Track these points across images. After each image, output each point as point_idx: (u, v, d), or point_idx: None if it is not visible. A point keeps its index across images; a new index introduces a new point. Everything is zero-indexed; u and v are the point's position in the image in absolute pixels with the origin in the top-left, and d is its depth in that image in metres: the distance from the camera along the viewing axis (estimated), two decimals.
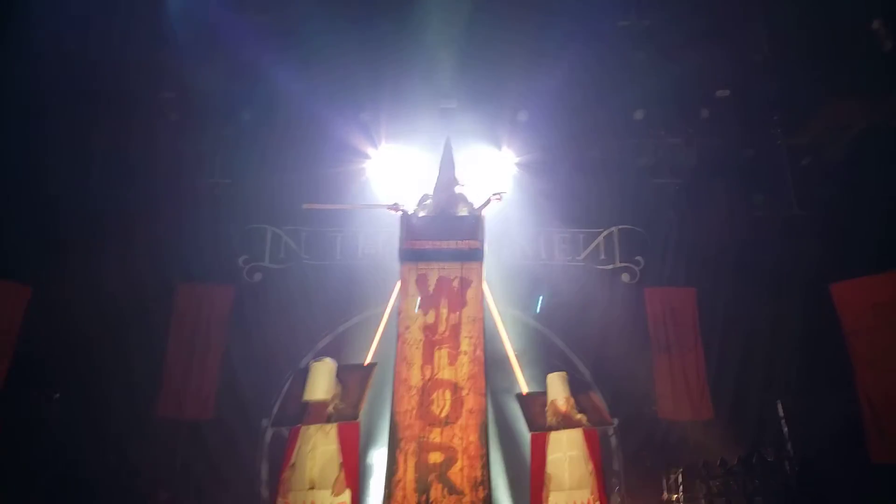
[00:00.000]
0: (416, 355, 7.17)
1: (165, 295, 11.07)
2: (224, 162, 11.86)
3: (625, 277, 11.88)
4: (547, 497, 7.17)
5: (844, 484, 9.14)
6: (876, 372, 9.84)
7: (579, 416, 7.46)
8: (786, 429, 10.47)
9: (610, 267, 11.97)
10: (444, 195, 7.97)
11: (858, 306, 10.24)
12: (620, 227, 12.15)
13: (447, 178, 8.15)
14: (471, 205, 7.96)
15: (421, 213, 7.86)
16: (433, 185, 8.13)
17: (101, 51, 10.45)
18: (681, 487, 9.73)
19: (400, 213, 7.61)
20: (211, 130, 11.74)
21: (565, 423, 7.42)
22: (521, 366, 8.96)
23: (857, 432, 9.73)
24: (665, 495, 9.85)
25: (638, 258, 11.94)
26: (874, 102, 10.56)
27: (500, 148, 11.69)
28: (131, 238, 10.87)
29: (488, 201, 7.83)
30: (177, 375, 10.65)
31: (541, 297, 11.83)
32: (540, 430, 7.47)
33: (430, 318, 7.34)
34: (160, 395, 10.50)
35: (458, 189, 8.13)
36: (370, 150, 11.60)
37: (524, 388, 8.32)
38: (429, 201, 8.01)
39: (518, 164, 11.83)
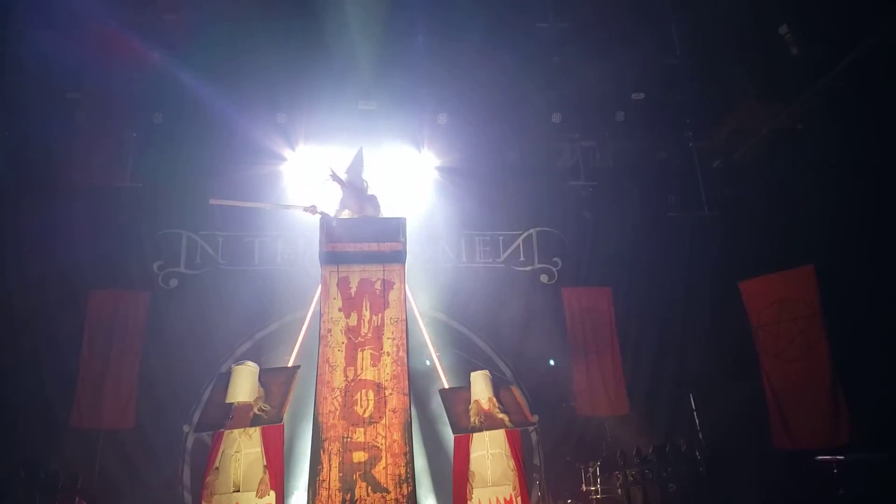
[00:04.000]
0: (339, 357, 7.15)
1: (77, 302, 10.67)
2: (136, 165, 11.49)
3: (543, 278, 12.09)
4: (470, 493, 7.34)
5: (750, 469, 9.60)
6: (780, 363, 10.36)
7: (502, 416, 7.63)
8: (697, 420, 10.89)
9: (529, 268, 12.16)
10: (353, 199, 7.95)
11: (764, 302, 10.75)
12: (538, 229, 12.35)
13: (356, 182, 8.11)
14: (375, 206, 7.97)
15: (341, 215, 7.83)
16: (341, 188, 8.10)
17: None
18: (598, 479, 10.00)
19: (318, 215, 7.54)
20: (121, 132, 11.42)
21: (488, 422, 7.57)
22: (442, 366, 9.07)
23: (762, 421, 10.20)
24: (584, 487, 10.10)
25: (556, 259, 12.18)
26: (781, 106, 11.04)
27: (420, 150, 11.73)
28: (38, 243, 10.45)
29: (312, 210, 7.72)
30: (92, 385, 10.31)
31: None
32: (464, 431, 7.60)
33: (353, 321, 7.33)
34: (74, 406, 10.14)
35: (367, 191, 8.13)
36: (287, 152, 11.47)
37: (446, 385, 8.44)
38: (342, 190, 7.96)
39: (438, 168, 11.89)
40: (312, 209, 7.61)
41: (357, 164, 8.21)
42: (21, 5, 10.07)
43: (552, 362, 11.84)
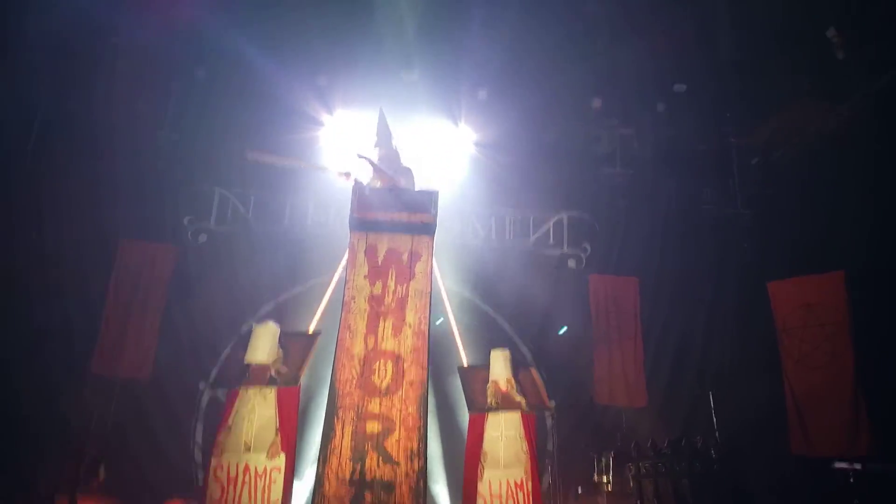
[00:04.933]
0: (361, 325, 7.13)
1: (107, 250, 10.76)
2: (173, 117, 11.53)
3: (571, 263, 12.00)
4: (482, 474, 7.31)
5: (764, 471, 9.50)
6: (803, 369, 10.19)
7: (519, 398, 7.59)
8: (715, 418, 10.76)
9: (557, 252, 12.07)
10: (386, 167, 7.87)
11: (791, 305, 10.55)
12: (570, 213, 12.24)
13: (387, 150, 8.02)
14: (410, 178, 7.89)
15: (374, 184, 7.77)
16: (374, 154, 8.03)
17: None
18: (611, 470, 9.95)
19: (351, 181, 7.49)
20: (161, 83, 11.41)
21: (505, 403, 7.54)
22: (464, 342, 9.02)
23: (780, 424, 10.07)
24: (595, 477, 10.06)
25: (585, 245, 12.08)
26: (825, 110, 10.79)
27: (457, 124, 11.61)
28: (73, 191, 10.53)
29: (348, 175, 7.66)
30: (114, 333, 10.42)
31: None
32: (479, 411, 7.57)
33: (377, 289, 7.30)
34: (96, 352, 10.26)
35: (400, 160, 8.05)
36: (325, 116, 11.39)
37: (465, 363, 8.40)
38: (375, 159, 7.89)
39: (475, 143, 11.78)
40: (347, 175, 7.56)
41: (383, 131, 8.09)
42: None
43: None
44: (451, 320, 9.14)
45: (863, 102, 10.21)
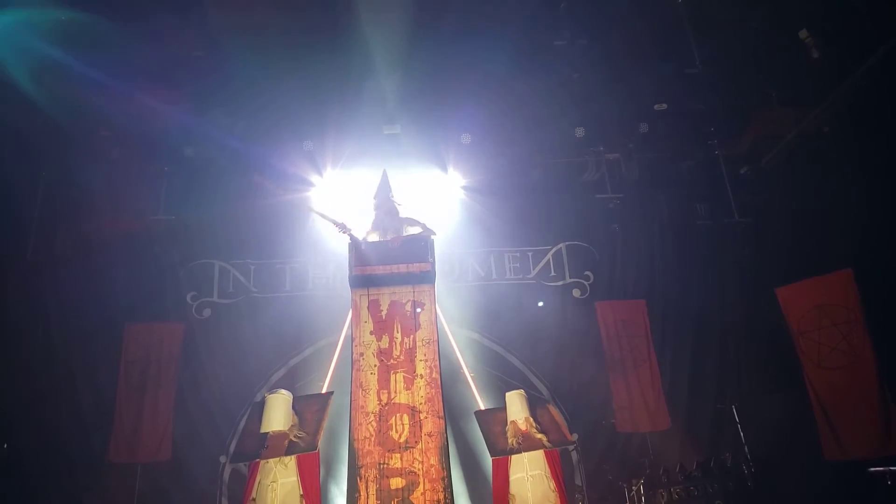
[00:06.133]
0: (372, 381, 7.13)
1: (114, 337, 10.78)
2: (167, 198, 11.64)
3: (575, 293, 11.98)
4: None
5: (799, 482, 9.33)
6: (823, 371, 10.07)
7: (540, 436, 7.52)
8: (742, 433, 10.64)
9: (560, 283, 12.05)
10: (387, 220, 7.97)
11: (803, 308, 10.47)
12: (568, 243, 12.26)
13: (386, 203, 8.12)
14: (420, 224, 7.96)
15: (369, 238, 7.84)
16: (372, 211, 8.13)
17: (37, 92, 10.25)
18: (643, 498, 9.80)
19: (347, 233, 7.55)
20: (152, 167, 11.56)
21: (526, 443, 7.47)
22: (477, 386, 8.99)
23: (809, 431, 9.92)
24: None
25: (587, 273, 12.07)
26: (805, 110, 10.86)
27: (446, 171, 11.72)
28: (75, 283, 10.60)
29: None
30: (129, 419, 10.36)
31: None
32: (502, 453, 7.50)
33: (385, 343, 7.32)
34: (112, 440, 10.21)
35: (401, 212, 8.15)
36: (315, 178, 11.51)
37: (482, 406, 8.35)
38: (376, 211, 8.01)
39: (464, 187, 11.86)
40: (342, 227, 7.61)
41: (384, 188, 8.23)
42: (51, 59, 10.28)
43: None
44: (462, 364, 9.13)
45: (842, 100, 10.27)
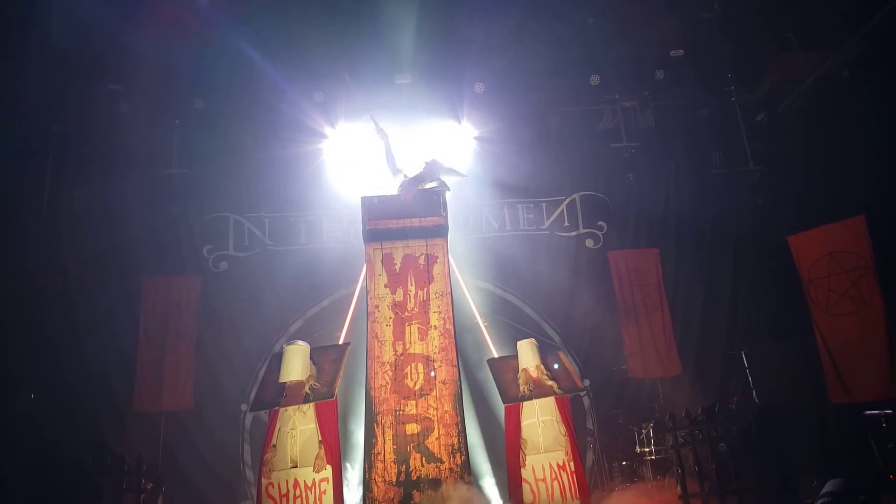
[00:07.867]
0: (387, 332, 7.31)
1: (133, 291, 10.98)
2: (180, 151, 11.74)
3: (589, 243, 12.02)
4: (524, 460, 7.43)
5: (802, 425, 9.50)
6: (832, 318, 10.16)
7: (551, 383, 7.68)
8: (750, 378, 10.79)
9: (574, 233, 12.10)
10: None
11: (814, 256, 10.51)
12: (582, 193, 12.26)
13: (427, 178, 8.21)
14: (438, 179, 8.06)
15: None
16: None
17: (48, 46, 10.30)
18: (651, 440, 10.05)
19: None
20: (164, 120, 11.62)
21: (537, 390, 7.64)
22: (491, 334, 9.14)
23: (816, 376, 10.06)
24: (638, 449, 10.16)
25: (601, 223, 12.09)
26: (823, 55, 10.71)
27: (459, 121, 11.69)
28: (93, 237, 10.80)
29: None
30: (150, 370, 10.63)
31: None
32: (513, 401, 7.68)
33: (399, 296, 7.47)
34: (135, 391, 10.49)
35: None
36: (327, 130, 11.54)
37: (495, 354, 8.52)
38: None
39: (478, 138, 11.83)
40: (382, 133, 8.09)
41: (435, 169, 8.28)
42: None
43: None
44: (476, 314, 9.27)
45: (862, 44, 10.11)
